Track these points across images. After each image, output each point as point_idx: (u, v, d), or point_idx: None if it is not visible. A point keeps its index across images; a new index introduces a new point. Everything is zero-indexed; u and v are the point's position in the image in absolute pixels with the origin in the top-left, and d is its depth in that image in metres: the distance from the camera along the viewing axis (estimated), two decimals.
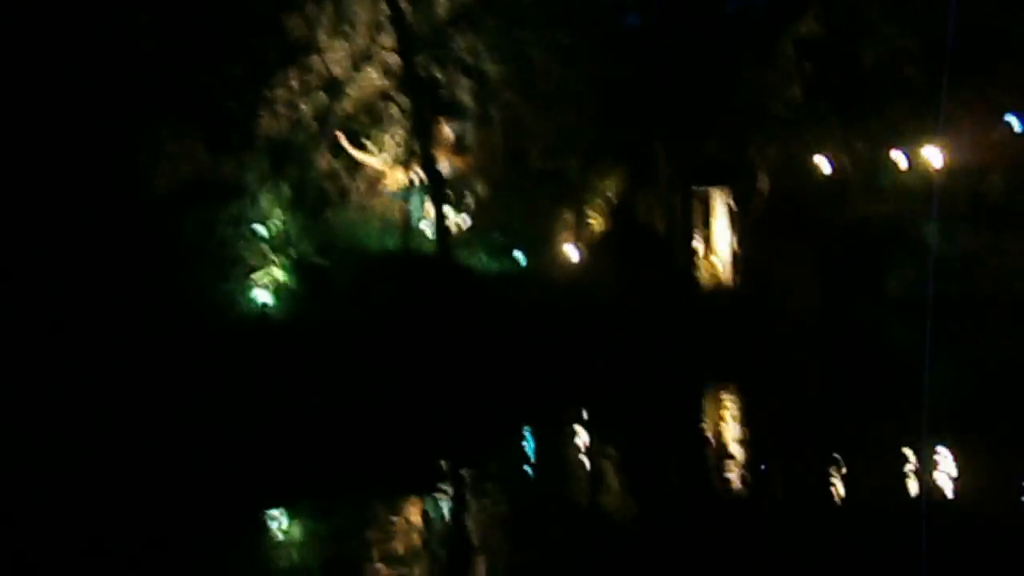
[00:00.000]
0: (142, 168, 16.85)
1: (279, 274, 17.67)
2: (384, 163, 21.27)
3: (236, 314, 16.84)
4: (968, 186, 30.89)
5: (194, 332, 14.94)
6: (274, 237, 18.02)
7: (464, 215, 21.82)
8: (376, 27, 21.16)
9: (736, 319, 22.84)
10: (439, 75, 22.59)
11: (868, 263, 32.81)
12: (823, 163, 28.31)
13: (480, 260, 21.18)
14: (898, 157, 30.75)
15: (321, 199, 19.69)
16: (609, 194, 23.90)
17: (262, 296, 17.09)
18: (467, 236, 21.58)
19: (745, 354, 20.88)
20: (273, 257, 17.58)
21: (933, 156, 29.48)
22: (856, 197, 30.75)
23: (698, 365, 20.39)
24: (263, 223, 18.18)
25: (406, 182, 20.89)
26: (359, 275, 18.17)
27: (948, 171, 30.18)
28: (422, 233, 20.90)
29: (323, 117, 20.76)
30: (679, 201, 23.92)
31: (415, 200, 21.01)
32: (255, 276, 17.27)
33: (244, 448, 13.20)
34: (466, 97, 23.18)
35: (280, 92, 19.76)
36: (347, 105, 21.46)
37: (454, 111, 23.04)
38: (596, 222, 23.70)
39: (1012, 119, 31.42)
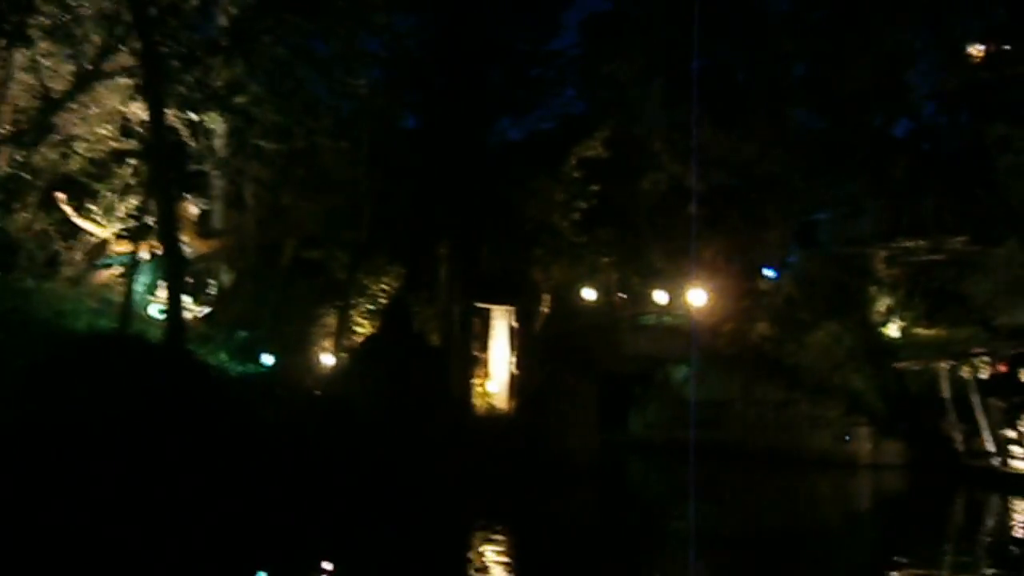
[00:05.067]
0: None
1: None
2: (109, 233, 17.37)
3: None
4: (726, 332, 31.12)
5: None
6: None
7: (204, 305, 18.14)
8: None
9: (509, 451, 20.21)
10: (191, 145, 19.20)
11: (629, 401, 32.26)
12: (598, 292, 27.53)
13: (218, 358, 17.32)
14: (662, 296, 30.63)
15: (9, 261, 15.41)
16: (380, 297, 20.94)
17: None
18: (205, 329, 17.80)
19: (516, 492, 18.20)
20: None
21: (696, 298, 29.43)
22: (624, 331, 30.14)
23: (463, 502, 17.38)
24: None
25: (137, 258, 16.92)
26: (51, 360, 13.90)
27: (708, 314, 30.31)
28: (149, 319, 16.95)
29: (38, 169, 16.79)
30: (458, 313, 21.29)
31: (143, 280, 17.15)
32: None
33: None
34: (218, 174, 19.88)
35: None
36: (75, 162, 17.58)
37: (202, 187, 19.64)
38: (362, 327, 20.58)
39: (768, 271, 32.30)
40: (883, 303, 28.48)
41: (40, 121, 15.54)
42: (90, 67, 15.79)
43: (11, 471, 12.48)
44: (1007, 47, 26.53)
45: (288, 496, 15.11)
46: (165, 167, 16.56)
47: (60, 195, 17.14)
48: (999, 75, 26.49)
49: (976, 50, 27.71)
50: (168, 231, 16.22)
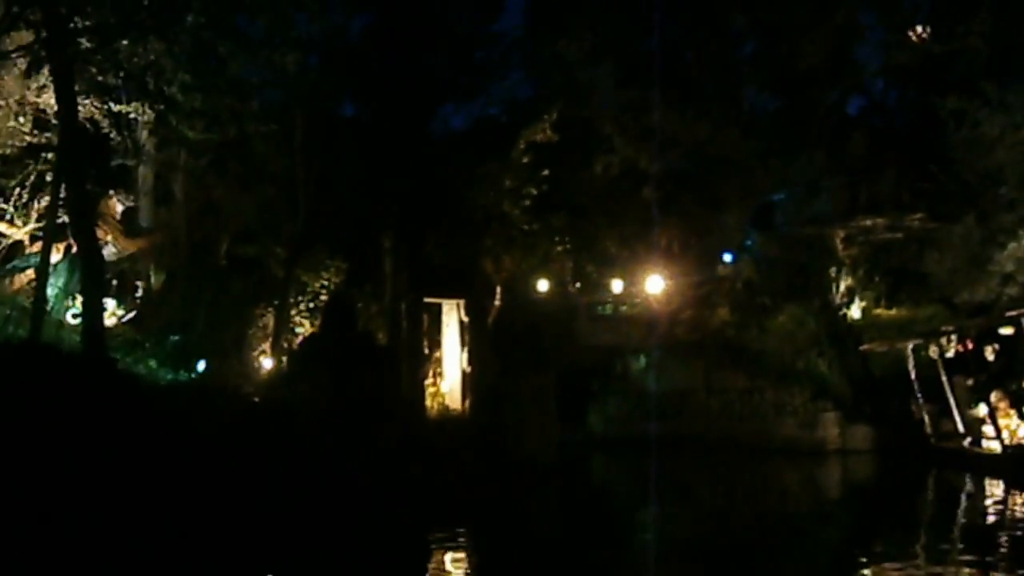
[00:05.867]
0: None
1: None
2: (23, 233, 16.03)
3: None
4: (686, 319, 30.40)
5: None
6: None
7: (130, 309, 16.83)
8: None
9: (465, 455, 19.11)
10: (113, 137, 17.81)
11: (588, 395, 31.33)
12: (552, 282, 26.64)
13: (147, 366, 16.01)
14: (619, 285, 29.83)
15: None
16: (321, 294, 19.73)
17: None
18: (131, 335, 16.49)
19: (473, 498, 17.14)
20: None
21: (653, 286, 28.72)
22: (580, 322, 29.30)
23: (418, 512, 16.22)
24: None
25: (51, 260, 15.51)
26: None
27: (666, 302, 29.60)
28: (66, 326, 15.60)
29: None
30: (406, 309, 20.10)
31: (58, 283, 15.81)
32: None
33: None
34: (144, 167, 18.55)
35: None
36: None
37: (128, 182, 18.29)
38: (303, 326, 19.37)
39: (726, 256, 31.60)
40: (844, 284, 27.85)
41: None
42: None
43: None
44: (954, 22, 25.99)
45: (221, 515, 13.92)
46: (76, 156, 15.19)
47: None
48: (948, 48, 26.09)
49: (921, 32, 27.37)
50: (82, 228, 14.86)
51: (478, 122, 26.88)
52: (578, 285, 29.55)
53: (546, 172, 23.09)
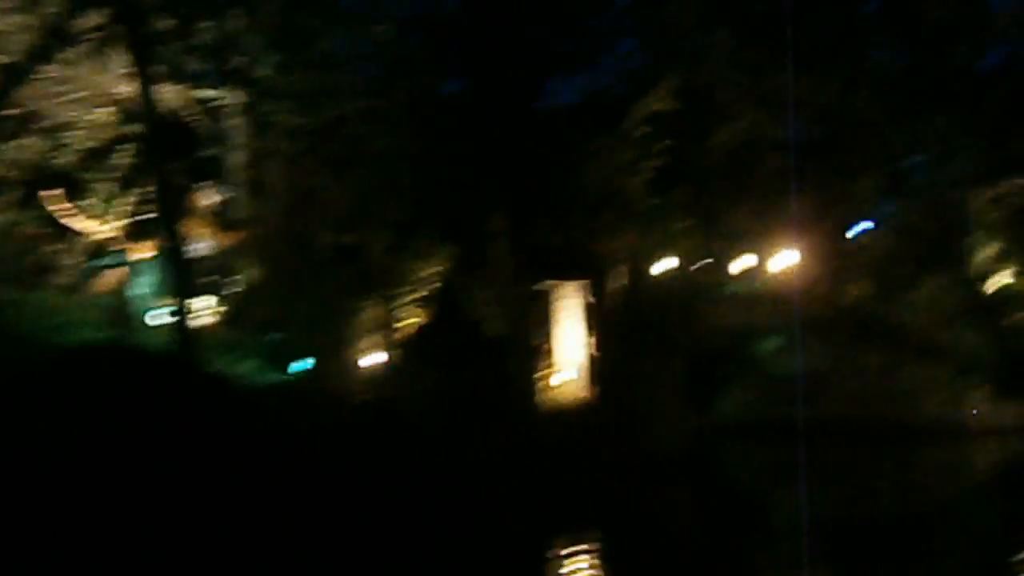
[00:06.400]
0: None
1: None
2: (108, 231, 15.17)
3: None
4: (820, 295, 28.37)
5: None
6: None
7: (226, 306, 15.83)
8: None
9: (587, 449, 17.52)
10: (200, 123, 16.84)
11: (716, 379, 29.45)
12: (676, 260, 24.96)
13: (244, 366, 14.96)
14: (750, 261, 27.96)
15: None
16: (429, 284, 18.43)
17: None
18: (227, 333, 15.47)
19: (600, 497, 15.54)
20: None
21: (784, 261, 26.87)
22: (707, 302, 27.47)
23: (540, 515, 14.68)
24: None
25: (138, 258, 14.58)
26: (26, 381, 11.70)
27: (799, 277, 27.65)
28: (154, 327, 14.65)
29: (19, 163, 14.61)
30: (519, 295, 18.61)
31: (146, 282, 14.90)
32: None
33: None
34: (237, 157, 17.53)
35: None
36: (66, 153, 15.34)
37: (220, 173, 17.31)
38: (410, 318, 18.09)
39: (867, 224, 29.51)
40: (989, 251, 25.53)
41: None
42: (55, 29, 13.44)
43: None
44: None
45: (324, 526, 12.75)
46: (161, 148, 14.24)
47: (49, 193, 14.94)
48: None
49: None
50: (170, 224, 13.93)
51: (590, 94, 25.49)
52: (704, 263, 27.62)
53: (665, 144, 21.51)
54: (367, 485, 14.27)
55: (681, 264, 24.44)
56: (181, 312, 13.98)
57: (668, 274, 23.78)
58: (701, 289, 26.11)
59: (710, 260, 27.11)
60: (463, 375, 16.20)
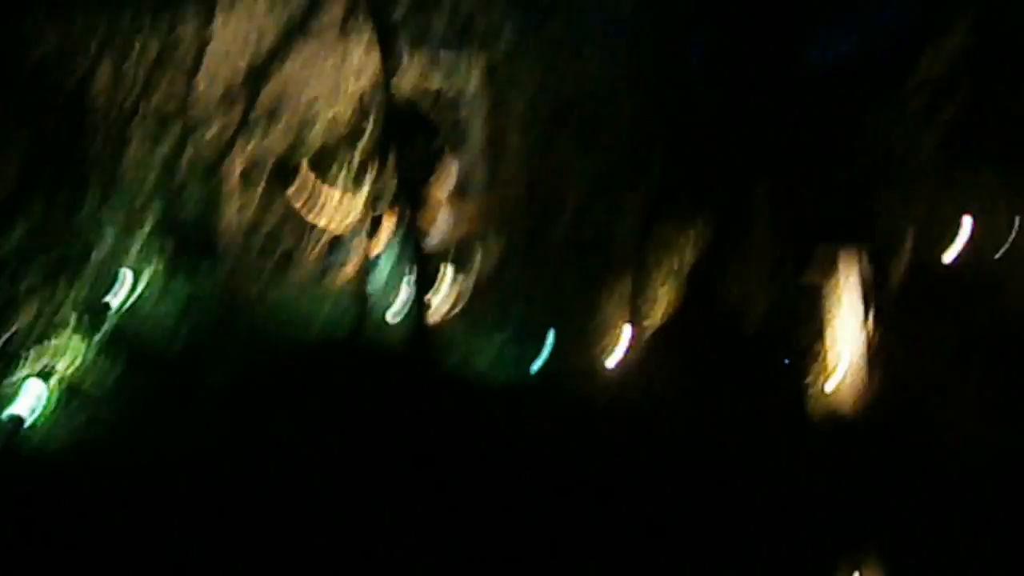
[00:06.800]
0: None
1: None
2: (347, 222, 14.90)
3: None
4: None
5: None
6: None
7: (463, 293, 15.17)
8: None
9: (873, 464, 15.32)
10: (440, 103, 16.24)
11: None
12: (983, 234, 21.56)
13: (483, 356, 14.34)
14: None
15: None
16: (680, 266, 16.94)
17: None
18: (467, 320, 14.80)
19: (886, 519, 13.48)
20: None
21: None
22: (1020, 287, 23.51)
23: (819, 536, 12.91)
24: None
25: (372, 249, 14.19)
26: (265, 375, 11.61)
27: None
28: (390, 318, 14.26)
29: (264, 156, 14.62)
30: (788, 277, 16.66)
31: (383, 272, 14.51)
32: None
33: None
34: (477, 135, 16.82)
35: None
36: (311, 144, 15.26)
37: (457, 151, 16.71)
38: (662, 303, 16.71)
39: None
40: None
41: (245, 93, 13.27)
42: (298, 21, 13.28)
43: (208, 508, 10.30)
44: None
45: (578, 534, 11.83)
46: (400, 135, 13.76)
47: (291, 183, 14.88)
48: None
49: None
50: (410, 213, 13.45)
51: (866, 42, 22.79)
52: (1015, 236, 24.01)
53: (962, 94, 18.63)
54: (615, 489, 13.22)
55: (985, 239, 21.14)
56: (420, 304, 13.50)
57: (968, 252, 20.55)
58: (1014, 270, 22.27)
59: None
60: (721, 372, 14.65)
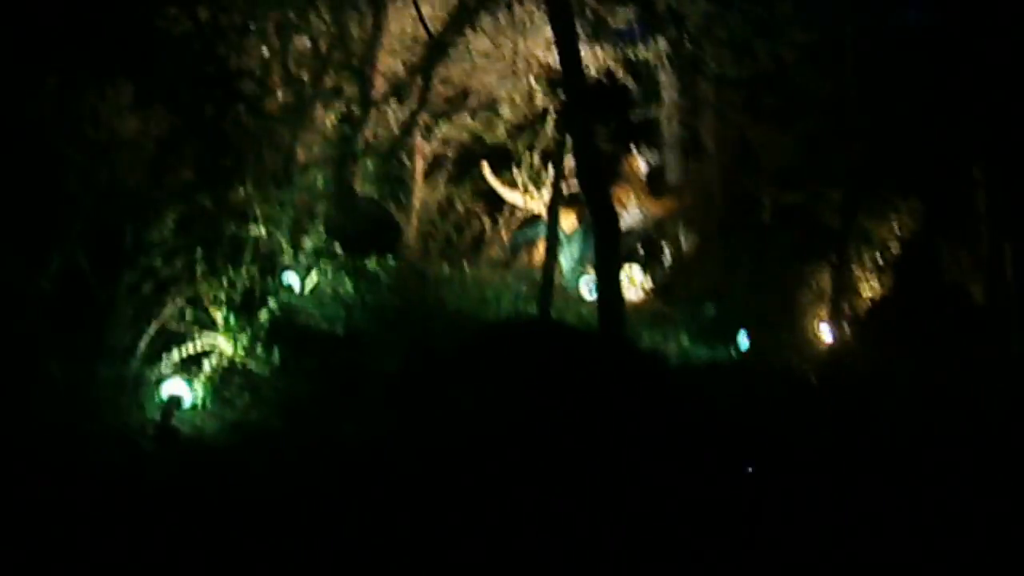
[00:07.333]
0: None
1: None
2: (538, 203, 14.70)
3: None
4: None
5: None
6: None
7: (655, 279, 14.67)
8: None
9: None
10: (629, 83, 15.82)
11: None
12: None
13: (677, 342, 13.64)
14: None
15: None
16: (891, 245, 15.73)
17: None
18: (660, 307, 14.27)
19: None
20: None
21: None
22: None
23: None
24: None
25: (557, 227, 13.80)
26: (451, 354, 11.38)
27: None
28: (582, 300, 13.89)
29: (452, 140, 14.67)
30: (1011, 254, 15.13)
31: (572, 254, 14.19)
32: None
33: None
34: (668, 115, 16.29)
35: None
36: (499, 128, 15.19)
37: (649, 135, 16.23)
38: (869, 286, 15.56)
39: None
40: None
41: (417, 75, 13.21)
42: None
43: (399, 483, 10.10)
44: None
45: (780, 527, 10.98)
46: (584, 113, 13.33)
47: (485, 165, 14.86)
48: None
49: None
50: (595, 192, 12.98)
51: None
52: None
53: None
54: (821, 480, 12.26)
55: None
56: (610, 285, 13.00)
57: None
58: None
59: None
60: (937, 356, 13.37)
